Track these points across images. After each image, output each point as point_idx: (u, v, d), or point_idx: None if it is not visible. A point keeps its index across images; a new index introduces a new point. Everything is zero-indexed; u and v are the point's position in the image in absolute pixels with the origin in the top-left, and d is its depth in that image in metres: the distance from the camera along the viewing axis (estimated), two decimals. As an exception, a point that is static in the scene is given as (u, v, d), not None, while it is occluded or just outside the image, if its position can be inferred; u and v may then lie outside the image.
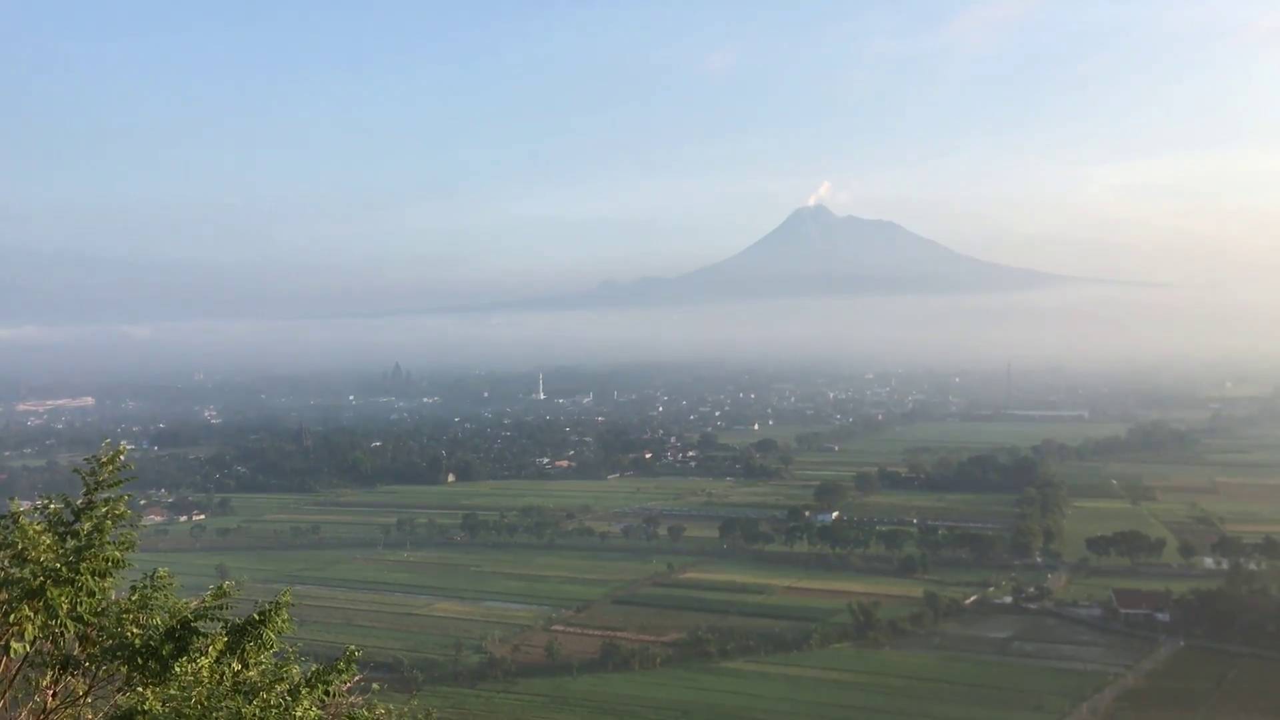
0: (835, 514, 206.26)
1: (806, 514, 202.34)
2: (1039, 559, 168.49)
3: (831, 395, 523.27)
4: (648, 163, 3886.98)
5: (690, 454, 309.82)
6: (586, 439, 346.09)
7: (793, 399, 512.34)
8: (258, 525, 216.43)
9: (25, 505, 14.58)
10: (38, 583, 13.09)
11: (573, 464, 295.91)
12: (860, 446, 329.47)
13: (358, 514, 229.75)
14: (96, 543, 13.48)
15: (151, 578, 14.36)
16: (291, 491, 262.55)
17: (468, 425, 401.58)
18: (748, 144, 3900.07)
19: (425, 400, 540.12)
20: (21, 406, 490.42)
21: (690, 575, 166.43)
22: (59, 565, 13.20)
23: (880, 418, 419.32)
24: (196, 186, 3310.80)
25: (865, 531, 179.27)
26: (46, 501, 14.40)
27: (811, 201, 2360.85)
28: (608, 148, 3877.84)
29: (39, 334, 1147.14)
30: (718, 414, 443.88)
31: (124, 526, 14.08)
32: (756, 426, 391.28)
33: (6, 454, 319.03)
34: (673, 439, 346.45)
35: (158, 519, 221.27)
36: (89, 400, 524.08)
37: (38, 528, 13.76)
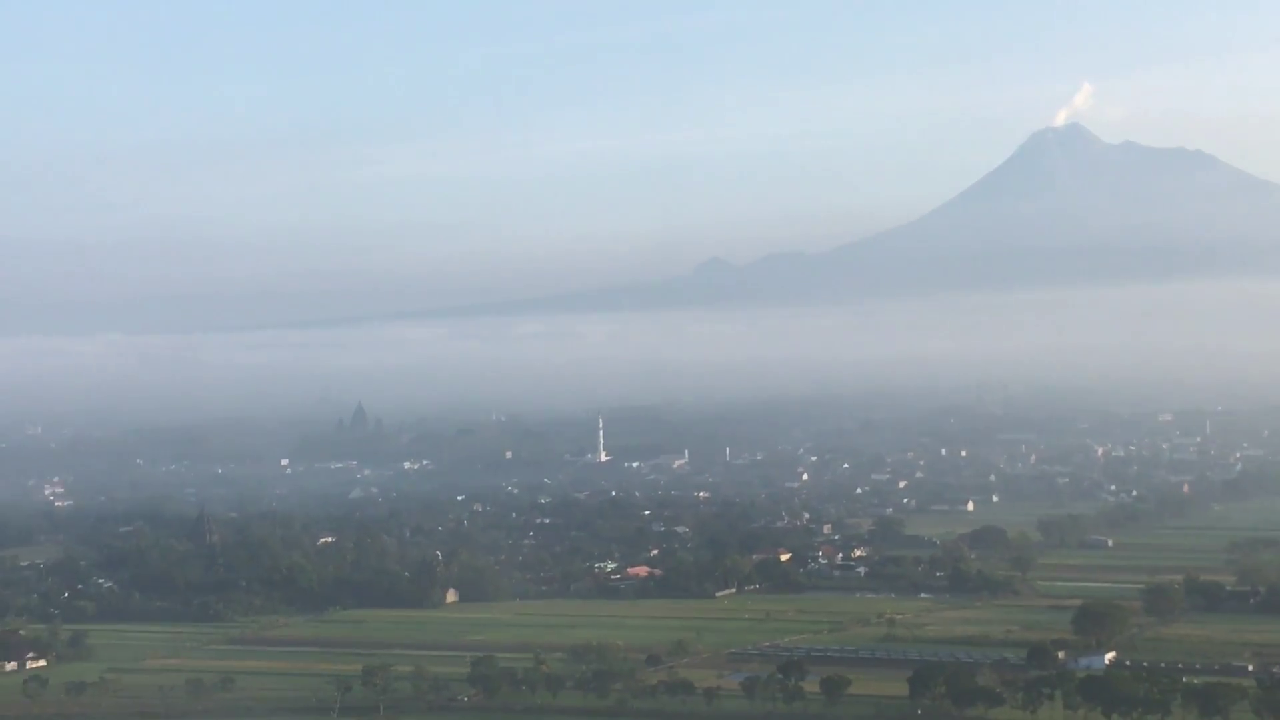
0: (1110, 655, 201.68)
1: (1060, 656, 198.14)
2: None
3: (1100, 451, 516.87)
4: (780, 64, 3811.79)
5: (857, 554, 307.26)
6: (680, 530, 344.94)
7: (1033, 458, 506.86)
8: (133, 677, 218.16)
9: None
10: None
11: (657, 573, 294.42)
12: (1152, 539, 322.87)
13: (297, 658, 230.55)
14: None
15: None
16: (187, 621, 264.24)
17: (479, 508, 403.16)
18: (948, 31, 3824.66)
19: (407, 466, 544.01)
20: None
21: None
22: None
23: (1186, 490, 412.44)
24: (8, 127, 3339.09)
25: (1164, 685, 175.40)
26: None
27: (1061, 119, 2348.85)
28: (709, 40, 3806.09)
29: None
30: (903, 485, 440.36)
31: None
32: (971, 505, 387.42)
33: None
34: (827, 529, 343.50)
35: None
36: None
37: None
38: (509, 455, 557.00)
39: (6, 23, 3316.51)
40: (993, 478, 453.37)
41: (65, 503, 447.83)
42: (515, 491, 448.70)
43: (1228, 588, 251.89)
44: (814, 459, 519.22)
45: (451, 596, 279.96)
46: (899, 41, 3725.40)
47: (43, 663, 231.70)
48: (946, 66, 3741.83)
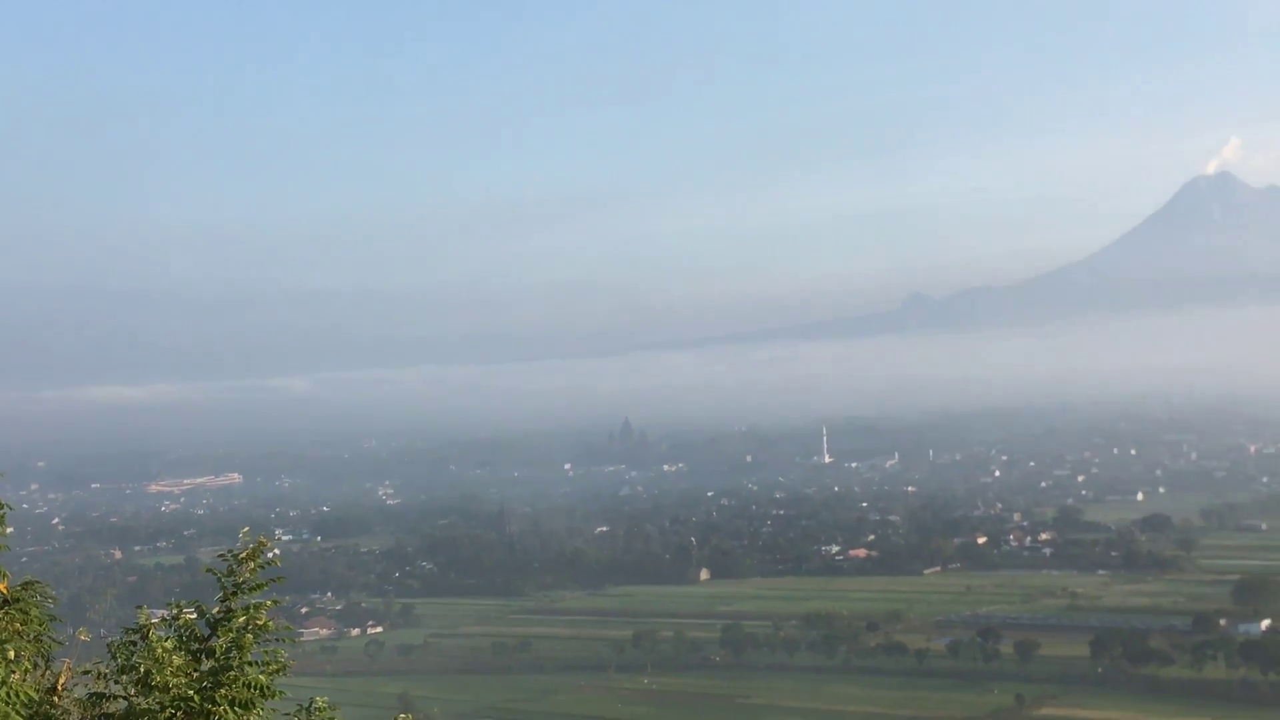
0: (1266, 623, 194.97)
1: (1222, 623, 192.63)
2: None
3: (1253, 448, 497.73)
4: (971, 126, 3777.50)
5: (1043, 537, 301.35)
6: (892, 518, 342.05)
7: (1193, 455, 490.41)
8: (450, 640, 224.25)
9: (157, 615, 15.50)
10: (165, 715, 13.84)
11: (873, 554, 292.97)
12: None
13: (580, 625, 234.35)
14: (236, 664, 14.14)
15: (308, 709, 14.95)
16: (492, 595, 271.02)
17: (725, 502, 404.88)
18: (1110, 94, 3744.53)
19: (666, 468, 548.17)
20: (154, 487, 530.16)
21: (1051, 710, 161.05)
22: (191, 693, 13.93)
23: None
24: (348, 201, 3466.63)
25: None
26: (177, 610, 15.23)
27: (1212, 169, 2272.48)
28: (912, 111, 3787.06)
29: (174, 393, 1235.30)
30: (1081, 479, 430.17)
31: (270, 641, 14.70)
32: (1140, 496, 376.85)
33: (136, 549, 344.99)
34: (1016, 516, 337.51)
35: (324, 632, 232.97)
36: (236, 477, 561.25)
37: (167, 645, 14.57)
38: (749, 459, 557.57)
39: (369, 113, 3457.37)
40: (1159, 472, 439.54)
41: (394, 501, 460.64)
42: (755, 488, 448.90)
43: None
44: (1004, 458, 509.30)
45: (704, 574, 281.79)
46: (1068, 104, 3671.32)
47: (379, 629, 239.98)
48: (1110, 125, 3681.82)
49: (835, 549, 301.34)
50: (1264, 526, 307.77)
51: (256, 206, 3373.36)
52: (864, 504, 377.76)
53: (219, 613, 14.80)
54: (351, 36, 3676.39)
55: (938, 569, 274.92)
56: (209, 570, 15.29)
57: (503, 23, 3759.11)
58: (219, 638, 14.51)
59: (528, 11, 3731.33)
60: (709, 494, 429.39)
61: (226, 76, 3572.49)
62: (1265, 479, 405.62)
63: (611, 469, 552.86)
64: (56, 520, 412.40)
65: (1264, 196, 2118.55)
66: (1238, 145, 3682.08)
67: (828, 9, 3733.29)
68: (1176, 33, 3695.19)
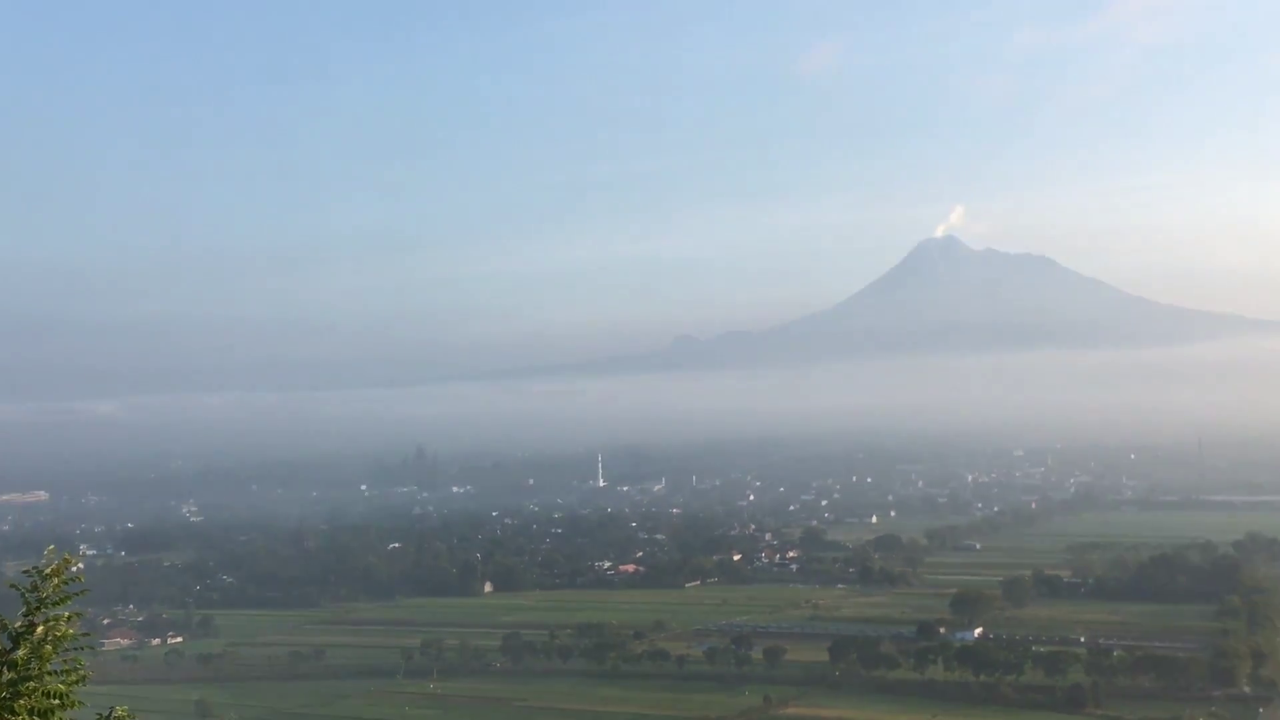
0: (978, 630, 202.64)
1: (941, 631, 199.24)
2: (1247, 688, 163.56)
3: (970, 478, 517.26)
4: (731, 191, 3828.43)
5: (790, 555, 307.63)
6: (658, 537, 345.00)
7: (920, 483, 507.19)
8: (248, 649, 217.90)
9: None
10: (-36, 725, 13.25)
11: (641, 569, 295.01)
12: (1009, 543, 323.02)
13: (372, 634, 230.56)
14: (36, 674, 13.61)
15: (108, 717, 14.47)
16: (289, 607, 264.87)
17: (508, 521, 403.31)
18: (856, 164, 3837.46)
19: (455, 490, 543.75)
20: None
21: (794, 710, 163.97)
22: (-9, 702, 13.35)
23: (1034, 506, 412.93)
24: (162, 233, 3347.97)
25: (1018, 653, 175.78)
26: (-22, 624, 14.61)
27: (940, 232, 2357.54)
28: (680, 173, 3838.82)
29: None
30: (825, 503, 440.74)
31: (71, 651, 14.20)
32: (875, 519, 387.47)
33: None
34: (768, 536, 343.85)
35: (125, 642, 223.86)
36: (42, 495, 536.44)
37: (-33, 657, 13.96)
38: (530, 482, 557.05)
39: (188, 150, 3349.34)
40: (890, 498, 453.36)
41: (198, 518, 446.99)
42: (535, 509, 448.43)
43: (1065, 580, 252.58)
44: (758, 484, 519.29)
45: (488, 587, 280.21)
46: (817, 172, 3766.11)
47: (180, 639, 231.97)
48: (853, 191, 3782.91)
49: (607, 564, 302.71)
50: (978, 546, 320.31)
51: (68, 235, 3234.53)
52: (634, 524, 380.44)
53: (21, 626, 14.24)
54: (174, 71, 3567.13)
55: (698, 583, 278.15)
56: (12, 586, 14.72)
57: (322, 73, 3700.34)
58: (20, 650, 13.96)
59: (346, 65, 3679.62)
60: (494, 514, 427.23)
61: (37, 106, 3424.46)
62: (979, 504, 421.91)
63: (405, 490, 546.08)
64: None
65: (982, 258, 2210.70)
66: (962, 212, 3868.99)
67: (586, 88, 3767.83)
68: (917, 111, 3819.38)
